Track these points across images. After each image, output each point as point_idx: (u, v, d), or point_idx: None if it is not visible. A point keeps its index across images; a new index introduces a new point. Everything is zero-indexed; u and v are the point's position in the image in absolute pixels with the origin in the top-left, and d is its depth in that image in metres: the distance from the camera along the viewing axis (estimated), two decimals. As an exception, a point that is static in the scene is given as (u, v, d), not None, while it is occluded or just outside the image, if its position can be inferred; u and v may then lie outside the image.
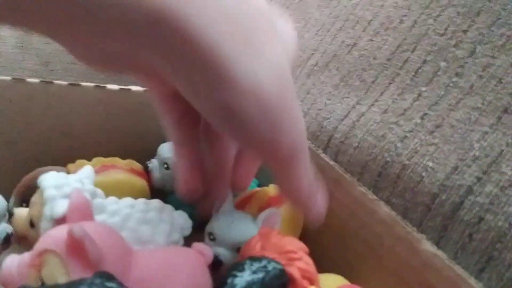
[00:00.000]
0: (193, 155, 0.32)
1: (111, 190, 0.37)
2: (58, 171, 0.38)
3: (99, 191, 0.34)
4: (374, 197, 0.33)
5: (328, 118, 0.41)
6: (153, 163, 0.41)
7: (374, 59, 0.40)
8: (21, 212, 0.34)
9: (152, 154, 0.43)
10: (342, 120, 0.40)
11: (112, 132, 0.43)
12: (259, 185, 0.45)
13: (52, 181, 0.32)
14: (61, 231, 0.27)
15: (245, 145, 0.25)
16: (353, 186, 0.35)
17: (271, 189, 0.36)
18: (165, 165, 0.41)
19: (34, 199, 0.34)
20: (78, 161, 0.40)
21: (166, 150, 0.41)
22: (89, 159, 0.40)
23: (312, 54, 0.47)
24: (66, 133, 0.42)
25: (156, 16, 0.16)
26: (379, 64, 0.40)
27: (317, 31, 0.48)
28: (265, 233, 0.29)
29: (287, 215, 0.34)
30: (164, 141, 0.44)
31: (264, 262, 0.24)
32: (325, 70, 0.44)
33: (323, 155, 0.38)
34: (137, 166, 0.41)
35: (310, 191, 0.26)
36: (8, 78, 0.38)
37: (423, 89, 0.36)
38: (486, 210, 0.28)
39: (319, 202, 0.28)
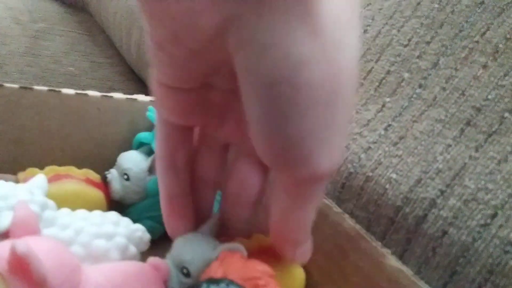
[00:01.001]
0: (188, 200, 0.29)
1: (64, 201, 0.35)
2: (7, 179, 0.36)
3: (51, 202, 0.32)
4: (339, 209, 0.33)
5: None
6: (112, 174, 0.39)
7: (338, 69, 0.40)
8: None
9: (111, 163, 0.41)
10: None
11: (67, 139, 0.41)
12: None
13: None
14: (3, 248, 0.25)
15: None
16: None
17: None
18: (125, 176, 0.39)
19: None
20: (29, 170, 0.37)
21: (126, 160, 0.40)
22: (42, 168, 0.38)
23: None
24: (16, 139, 0.39)
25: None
26: (344, 73, 0.39)
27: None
28: (226, 258, 0.28)
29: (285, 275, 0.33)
30: (123, 150, 0.42)
31: (222, 285, 0.22)
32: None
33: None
34: (94, 176, 0.39)
35: (307, 233, 0.24)
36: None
37: (387, 100, 0.35)
38: (450, 224, 0.28)
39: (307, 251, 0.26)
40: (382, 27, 0.38)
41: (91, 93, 0.41)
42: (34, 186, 0.33)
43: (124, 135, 0.42)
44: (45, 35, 0.90)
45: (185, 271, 0.30)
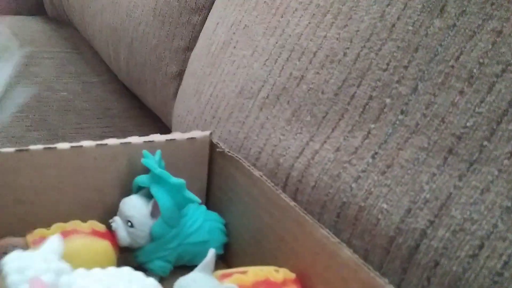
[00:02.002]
0: None
1: (75, 256, 0.36)
2: (17, 244, 0.37)
3: (66, 266, 0.34)
4: (336, 239, 0.34)
5: (284, 155, 0.42)
6: (117, 222, 0.41)
7: (322, 94, 0.41)
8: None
9: (114, 208, 0.42)
10: (298, 157, 0.40)
11: (67, 192, 0.42)
12: (224, 224, 0.45)
13: (15, 264, 0.32)
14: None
15: None
16: (315, 228, 0.36)
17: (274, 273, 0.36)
18: (129, 223, 0.40)
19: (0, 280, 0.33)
20: (37, 231, 0.39)
21: (128, 207, 0.41)
22: (48, 224, 0.40)
23: (262, 86, 0.47)
24: (18, 200, 0.41)
25: None
26: (328, 99, 0.40)
27: (265, 61, 0.48)
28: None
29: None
30: (124, 194, 0.43)
31: None
32: (276, 104, 0.45)
33: (282, 195, 0.38)
34: (100, 227, 0.40)
35: None
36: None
37: (372, 126, 0.36)
38: (441, 255, 0.29)
39: None
40: (361, 50, 0.39)
41: (86, 143, 0.42)
42: (48, 252, 0.34)
43: (123, 179, 0.44)
44: (33, 60, 0.90)
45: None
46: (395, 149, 0.34)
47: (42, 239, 0.35)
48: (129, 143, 0.44)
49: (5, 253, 0.34)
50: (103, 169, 0.43)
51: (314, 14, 0.45)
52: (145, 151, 0.43)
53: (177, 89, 0.69)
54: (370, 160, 0.35)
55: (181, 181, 0.41)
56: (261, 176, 0.40)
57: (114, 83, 0.90)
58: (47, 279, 0.31)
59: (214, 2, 0.65)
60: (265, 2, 0.52)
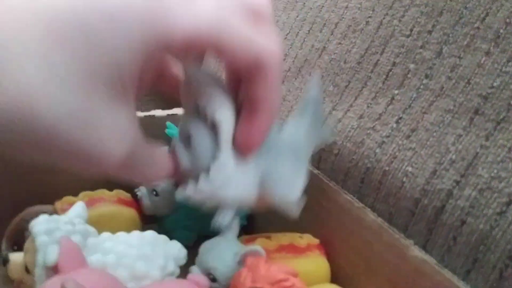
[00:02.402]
0: None
1: (102, 223, 0.37)
2: (46, 210, 0.38)
3: (92, 229, 0.35)
4: (360, 204, 0.34)
5: (307, 126, 0.42)
6: (142, 191, 0.42)
7: (344, 63, 0.41)
8: (17, 258, 0.34)
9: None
10: (320, 127, 0.41)
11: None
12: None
13: (43, 226, 0.33)
14: (54, 285, 0.27)
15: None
16: (338, 194, 0.36)
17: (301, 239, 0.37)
18: (154, 192, 0.41)
19: (27, 245, 0.34)
20: (65, 198, 0.40)
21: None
22: (76, 194, 0.40)
23: (284, 59, 0.47)
24: (49, 169, 0.41)
25: None
26: (350, 68, 0.40)
27: (286, 35, 0.48)
28: (252, 265, 0.30)
29: (312, 267, 0.35)
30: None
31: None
32: (298, 76, 0.45)
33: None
34: (125, 195, 0.41)
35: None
36: None
37: (396, 92, 0.36)
38: (467, 214, 0.29)
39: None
40: (383, 18, 0.39)
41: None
42: (74, 216, 0.35)
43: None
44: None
45: (211, 276, 0.33)
46: (419, 113, 0.34)
47: (70, 206, 0.36)
48: (153, 115, 0.45)
49: (34, 218, 0.35)
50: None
51: (335, -14, 0.45)
52: (168, 123, 0.43)
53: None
54: (394, 125, 0.35)
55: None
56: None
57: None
58: (74, 239, 0.32)
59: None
60: (285, -23, 0.52)
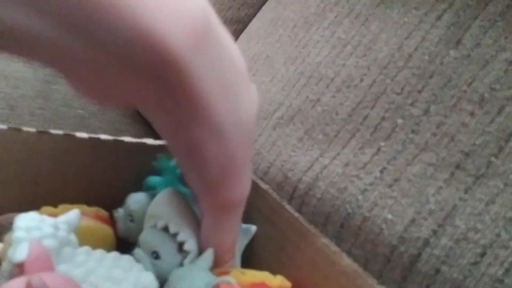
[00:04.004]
0: None
1: (78, 236, 0.36)
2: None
3: (73, 239, 0.34)
4: (337, 248, 0.34)
5: (293, 170, 0.43)
6: (119, 213, 0.41)
7: (336, 115, 0.42)
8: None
9: (120, 203, 0.43)
10: (306, 171, 0.41)
11: (80, 180, 0.43)
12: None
13: (25, 222, 0.32)
14: (18, 284, 0.26)
15: (199, 183, 0.27)
16: (316, 237, 0.36)
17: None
18: (130, 217, 0.41)
19: (6, 237, 0.33)
20: (44, 208, 0.39)
21: (133, 201, 0.41)
22: (55, 206, 0.40)
23: (278, 107, 0.49)
24: (32, 180, 0.41)
25: (163, 59, 0.18)
26: (341, 119, 0.42)
27: (283, 86, 0.50)
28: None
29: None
30: (133, 191, 0.44)
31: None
32: (290, 124, 0.46)
33: (287, 207, 0.39)
34: (103, 213, 0.41)
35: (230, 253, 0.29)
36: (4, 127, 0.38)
37: (382, 144, 0.37)
38: (442, 262, 0.29)
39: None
40: (377, 76, 0.41)
41: (103, 137, 0.43)
42: (62, 221, 0.34)
43: (135, 177, 0.44)
44: (55, 79, 0.93)
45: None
46: (403, 164, 0.35)
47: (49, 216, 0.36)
48: (144, 143, 0.45)
49: (11, 223, 0.34)
50: (117, 163, 0.44)
51: (334, 45, 0.47)
52: (160, 154, 0.44)
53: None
54: (378, 174, 0.36)
55: (186, 190, 0.42)
56: (268, 189, 0.41)
57: (129, 109, 0.92)
58: (49, 244, 0.31)
59: (238, 38, 0.68)
60: (288, 35, 0.55)
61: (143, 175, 0.45)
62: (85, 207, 0.40)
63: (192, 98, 0.20)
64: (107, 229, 0.39)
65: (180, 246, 0.33)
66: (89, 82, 0.21)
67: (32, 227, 0.31)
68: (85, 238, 0.37)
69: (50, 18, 0.17)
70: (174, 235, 0.34)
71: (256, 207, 0.43)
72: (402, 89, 0.38)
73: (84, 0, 0.17)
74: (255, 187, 0.43)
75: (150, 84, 0.20)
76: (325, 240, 0.35)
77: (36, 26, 0.17)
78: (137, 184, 0.45)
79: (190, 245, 0.33)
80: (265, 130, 0.48)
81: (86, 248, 0.34)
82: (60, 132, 0.42)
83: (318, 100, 0.45)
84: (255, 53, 0.59)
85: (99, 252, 0.34)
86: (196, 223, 0.34)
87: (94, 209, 0.40)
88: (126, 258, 0.35)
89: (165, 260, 0.34)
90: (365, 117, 0.40)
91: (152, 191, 0.44)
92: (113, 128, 0.85)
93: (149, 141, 0.46)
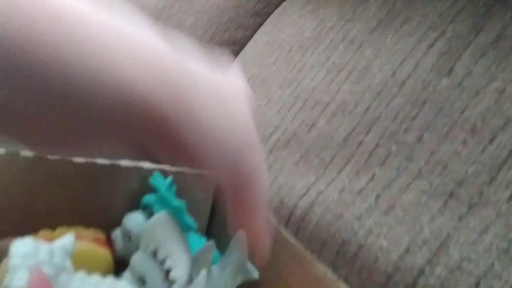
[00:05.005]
0: None
1: (75, 260, 0.36)
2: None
3: (69, 265, 0.34)
4: (334, 276, 0.34)
5: (289, 194, 0.43)
6: (116, 234, 0.41)
7: (331, 140, 0.43)
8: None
9: (117, 223, 0.43)
10: (302, 197, 0.42)
11: (77, 202, 0.43)
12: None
13: (21, 249, 0.32)
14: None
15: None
16: (313, 264, 0.36)
17: None
18: (127, 237, 0.41)
19: (3, 264, 0.33)
20: (42, 232, 0.39)
21: (129, 221, 0.42)
22: (53, 229, 0.40)
23: (274, 131, 0.49)
24: (30, 203, 0.41)
25: (151, 120, 0.18)
26: (336, 144, 0.42)
27: (279, 109, 0.50)
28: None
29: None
30: (130, 211, 0.44)
31: None
32: (286, 147, 0.47)
33: (284, 233, 0.39)
34: (100, 235, 0.41)
35: (265, 223, 0.27)
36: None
37: (377, 170, 0.38)
38: (437, 292, 0.30)
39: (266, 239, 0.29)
40: (371, 103, 0.41)
41: (100, 161, 0.44)
42: (58, 247, 0.34)
43: (132, 198, 0.45)
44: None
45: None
46: (397, 191, 0.35)
47: (47, 240, 0.36)
48: (141, 167, 0.46)
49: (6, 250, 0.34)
50: (114, 186, 0.44)
51: (330, 70, 0.48)
52: (156, 172, 0.44)
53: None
54: (373, 201, 0.37)
55: (181, 204, 0.42)
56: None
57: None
58: (46, 271, 0.32)
59: (235, 59, 0.69)
60: (284, 59, 0.56)
61: (140, 194, 0.45)
62: (82, 230, 0.40)
63: (188, 152, 0.20)
64: (103, 252, 0.39)
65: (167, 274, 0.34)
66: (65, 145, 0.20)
67: (28, 254, 0.31)
68: (81, 261, 0.37)
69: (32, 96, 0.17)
70: (162, 262, 0.34)
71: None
72: (396, 115, 0.39)
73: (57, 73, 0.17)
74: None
75: (147, 142, 0.20)
76: (321, 268, 0.35)
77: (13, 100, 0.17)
78: (134, 204, 0.45)
79: (177, 273, 0.33)
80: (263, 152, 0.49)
81: (81, 274, 0.34)
82: (56, 157, 0.42)
83: (313, 124, 0.45)
84: (251, 76, 0.59)
85: (95, 278, 0.35)
86: (187, 250, 0.34)
87: (91, 232, 0.40)
88: (122, 284, 0.35)
89: (151, 287, 0.34)
90: (360, 143, 0.40)
91: (149, 210, 0.44)
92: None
93: (146, 164, 0.46)
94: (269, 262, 0.41)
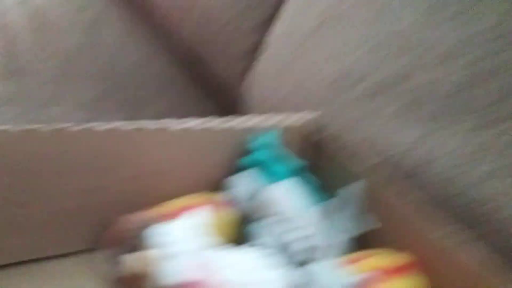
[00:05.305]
0: None
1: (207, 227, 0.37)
2: (152, 216, 0.37)
3: (212, 240, 0.35)
4: (458, 237, 0.34)
5: (392, 148, 0.42)
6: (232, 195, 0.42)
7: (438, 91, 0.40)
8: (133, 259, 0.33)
9: (218, 186, 0.43)
10: (410, 152, 0.40)
11: (193, 170, 0.43)
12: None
13: (158, 239, 0.33)
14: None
15: None
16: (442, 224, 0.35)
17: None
18: (240, 198, 0.41)
19: (149, 254, 0.33)
20: (171, 202, 0.39)
21: (235, 184, 0.42)
22: (161, 198, 0.40)
23: (363, 77, 0.46)
24: (135, 175, 0.41)
25: None
26: (446, 95, 0.40)
27: (367, 51, 0.47)
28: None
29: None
30: (227, 175, 0.43)
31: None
32: (380, 96, 0.44)
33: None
34: (218, 199, 0.41)
35: None
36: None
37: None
38: None
39: None
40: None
41: (191, 124, 0.42)
42: (191, 227, 0.35)
43: (225, 161, 0.44)
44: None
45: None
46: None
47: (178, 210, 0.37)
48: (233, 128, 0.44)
49: (141, 227, 0.34)
50: (207, 149, 0.43)
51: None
52: (250, 136, 0.43)
53: (244, 70, 0.69)
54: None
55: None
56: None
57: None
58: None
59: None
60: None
61: (233, 158, 0.44)
62: (203, 196, 0.40)
63: None
64: (230, 214, 0.40)
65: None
66: None
67: (171, 242, 0.32)
68: (218, 229, 0.38)
69: None
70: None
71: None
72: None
73: None
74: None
75: None
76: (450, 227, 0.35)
77: None
78: (230, 167, 0.44)
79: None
80: (348, 103, 0.47)
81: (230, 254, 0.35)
82: (152, 127, 0.40)
83: (412, 73, 0.43)
84: (321, 10, 0.55)
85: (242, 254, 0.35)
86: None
87: (208, 196, 0.40)
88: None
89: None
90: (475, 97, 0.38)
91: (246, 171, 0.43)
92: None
93: (238, 125, 0.44)
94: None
